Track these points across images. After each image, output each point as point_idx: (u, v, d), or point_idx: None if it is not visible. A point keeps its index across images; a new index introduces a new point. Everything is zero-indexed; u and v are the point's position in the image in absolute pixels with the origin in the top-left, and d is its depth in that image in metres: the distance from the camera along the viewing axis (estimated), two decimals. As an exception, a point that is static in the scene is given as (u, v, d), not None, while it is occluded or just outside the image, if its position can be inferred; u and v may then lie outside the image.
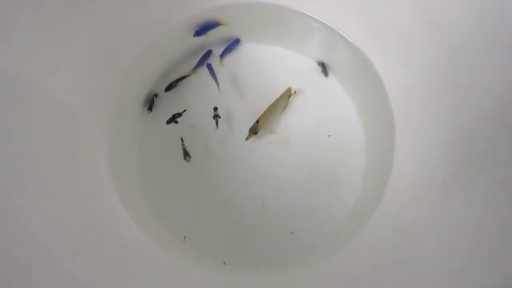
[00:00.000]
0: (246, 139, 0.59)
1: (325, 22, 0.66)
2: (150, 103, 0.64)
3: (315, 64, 0.67)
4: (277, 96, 0.63)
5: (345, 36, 0.66)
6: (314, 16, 0.67)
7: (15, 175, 0.43)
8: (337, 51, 0.68)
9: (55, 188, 0.47)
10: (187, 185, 0.62)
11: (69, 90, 0.53)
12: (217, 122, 0.62)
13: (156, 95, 0.64)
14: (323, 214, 0.60)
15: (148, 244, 0.55)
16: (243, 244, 0.59)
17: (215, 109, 0.63)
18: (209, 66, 0.65)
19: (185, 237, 0.59)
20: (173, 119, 0.62)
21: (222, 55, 0.66)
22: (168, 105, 0.65)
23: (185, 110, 0.63)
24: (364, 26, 0.62)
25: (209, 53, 0.66)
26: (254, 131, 0.60)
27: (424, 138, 0.54)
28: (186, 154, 0.62)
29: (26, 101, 0.47)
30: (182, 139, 0.62)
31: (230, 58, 0.67)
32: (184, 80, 0.66)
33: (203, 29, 0.65)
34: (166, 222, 0.60)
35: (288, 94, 0.64)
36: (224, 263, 0.58)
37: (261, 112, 0.61)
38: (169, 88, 0.64)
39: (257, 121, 0.60)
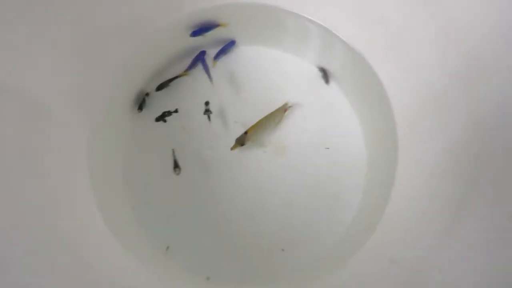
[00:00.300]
0: (231, 149, 0.56)
1: (327, 26, 0.62)
2: (141, 102, 0.60)
3: (315, 70, 0.63)
4: (272, 105, 0.60)
5: (347, 42, 0.61)
6: (315, 20, 0.62)
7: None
8: (339, 58, 0.63)
9: (24, 201, 0.43)
10: (174, 192, 0.58)
11: (46, 88, 0.49)
12: (209, 117, 0.60)
13: (147, 94, 0.61)
14: (317, 233, 0.57)
15: (128, 257, 0.51)
16: (229, 258, 0.56)
17: (207, 103, 0.60)
18: (203, 61, 0.62)
19: (168, 247, 0.56)
20: (163, 116, 0.60)
21: (216, 57, 0.63)
22: (159, 105, 0.61)
23: (176, 110, 0.60)
24: (367, 31, 0.58)
25: (202, 53, 0.62)
26: (240, 142, 0.56)
27: (429, 161, 0.51)
28: (176, 166, 0.59)
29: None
30: (173, 151, 0.59)
31: (224, 60, 0.64)
32: (177, 81, 0.62)
33: (200, 30, 0.62)
34: (148, 233, 0.56)
35: (283, 109, 0.60)
36: (208, 278, 0.55)
37: (254, 120, 0.57)
38: (160, 87, 0.61)
39: (246, 133, 0.57)
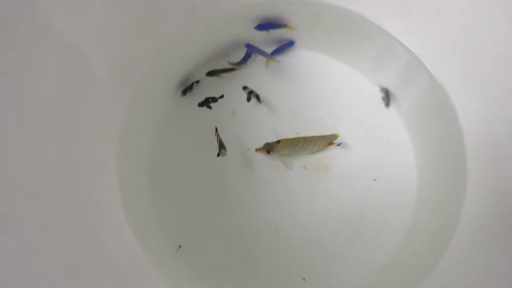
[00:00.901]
0: (256, 150, 0.51)
1: (413, 50, 0.55)
2: (187, 88, 0.56)
3: (377, 89, 0.57)
4: (319, 120, 0.55)
5: (428, 67, 0.55)
6: (394, 35, 0.56)
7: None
8: (410, 81, 0.57)
9: (47, 163, 0.39)
10: (199, 190, 0.54)
11: (94, 46, 0.46)
12: (258, 98, 0.55)
13: (197, 82, 0.57)
14: (346, 267, 0.51)
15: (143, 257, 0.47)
16: (242, 272, 0.51)
17: (245, 88, 0.55)
18: (253, 48, 0.57)
19: (179, 246, 0.52)
20: (206, 102, 0.55)
21: (273, 54, 0.57)
22: (203, 93, 0.56)
23: (222, 96, 0.55)
24: (454, 58, 0.51)
25: (251, 47, 0.57)
26: (268, 148, 0.51)
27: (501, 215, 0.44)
28: (222, 146, 0.53)
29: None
30: (216, 129, 0.54)
31: (279, 60, 0.58)
32: (228, 75, 0.57)
33: (267, 25, 0.57)
34: (164, 233, 0.52)
35: (329, 141, 0.54)
36: None
37: (291, 130, 0.53)
38: (212, 73, 0.56)
39: (278, 141, 0.51)
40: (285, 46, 0.58)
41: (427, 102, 0.55)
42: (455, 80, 0.52)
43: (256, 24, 0.57)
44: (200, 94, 0.56)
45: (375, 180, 0.54)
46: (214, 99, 0.55)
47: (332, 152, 0.55)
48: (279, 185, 0.54)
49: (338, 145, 0.54)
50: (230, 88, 0.56)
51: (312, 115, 0.56)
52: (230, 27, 0.58)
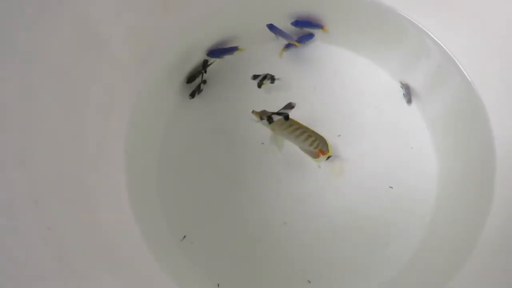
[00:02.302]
0: (252, 112, 0.48)
1: (442, 44, 0.52)
2: (194, 90, 0.53)
3: (402, 92, 0.53)
4: (336, 112, 0.52)
5: (463, 70, 0.51)
6: (428, 31, 0.52)
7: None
8: (440, 84, 0.53)
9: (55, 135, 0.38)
10: (208, 183, 0.52)
11: (110, 19, 0.44)
12: (272, 79, 0.52)
13: (204, 82, 0.54)
14: (351, 273, 0.49)
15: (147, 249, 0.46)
16: (245, 270, 0.50)
17: (255, 77, 0.52)
18: (276, 29, 0.53)
19: (184, 236, 0.50)
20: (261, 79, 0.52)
21: (288, 47, 0.55)
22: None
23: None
24: (494, 68, 0.48)
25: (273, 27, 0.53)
26: (262, 115, 0.48)
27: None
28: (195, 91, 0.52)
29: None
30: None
31: (293, 52, 0.55)
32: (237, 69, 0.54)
33: (304, 23, 0.54)
34: (170, 226, 0.50)
35: (319, 150, 0.49)
36: (218, 286, 0.49)
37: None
38: (211, 54, 0.53)
39: (287, 117, 0.48)
40: (305, 38, 0.54)
41: (457, 108, 0.52)
42: (492, 88, 0.49)
43: (293, 20, 0.54)
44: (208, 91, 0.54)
45: (392, 187, 0.51)
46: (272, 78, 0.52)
47: (348, 151, 0.52)
48: (290, 181, 0.51)
49: (327, 158, 0.50)
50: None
51: (331, 112, 0.53)
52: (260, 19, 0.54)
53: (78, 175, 0.41)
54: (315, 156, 0.49)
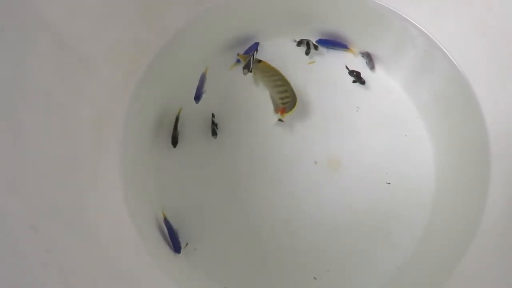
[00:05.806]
0: (238, 54, 0.52)
1: (425, 31, 0.52)
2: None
3: (393, 82, 0.54)
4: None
5: (449, 55, 0.51)
6: (411, 20, 0.52)
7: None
8: (428, 71, 0.54)
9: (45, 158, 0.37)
10: (208, 185, 0.52)
11: (92, 38, 0.44)
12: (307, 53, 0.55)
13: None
14: (357, 265, 0.49)
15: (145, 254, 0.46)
16: (251, 271, 0.49)
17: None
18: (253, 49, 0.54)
19: (186, 244, 0.50)
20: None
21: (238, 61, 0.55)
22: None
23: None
24: (480, 50, 0.48)
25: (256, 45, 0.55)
26: (248, 59, 0.50)
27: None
28: (214, 133, 0.52)
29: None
30: (213, 115, 0.53)
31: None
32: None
33: (328, 42, 0.56)
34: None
35: (281, 107, 0.50)
36: None
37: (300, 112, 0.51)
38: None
39: (260, 61, 0.51)
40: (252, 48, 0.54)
41: (447, 94, 0.53)
42: (480, 72, 0.49)
43: (317, 39, 0.55)
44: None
45: (389, 183, 0.51)
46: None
47: (344, 144, 0.53)
48: (289, 179, 0.52)
49: (279, 119, 0.51)
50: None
51: (329, 102, 0.54)
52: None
53: (74, 194, 0.41)
54: (276, 109, 0.50)
